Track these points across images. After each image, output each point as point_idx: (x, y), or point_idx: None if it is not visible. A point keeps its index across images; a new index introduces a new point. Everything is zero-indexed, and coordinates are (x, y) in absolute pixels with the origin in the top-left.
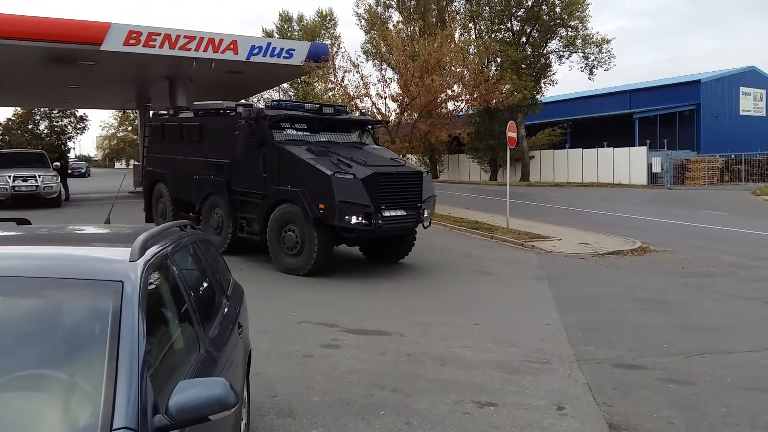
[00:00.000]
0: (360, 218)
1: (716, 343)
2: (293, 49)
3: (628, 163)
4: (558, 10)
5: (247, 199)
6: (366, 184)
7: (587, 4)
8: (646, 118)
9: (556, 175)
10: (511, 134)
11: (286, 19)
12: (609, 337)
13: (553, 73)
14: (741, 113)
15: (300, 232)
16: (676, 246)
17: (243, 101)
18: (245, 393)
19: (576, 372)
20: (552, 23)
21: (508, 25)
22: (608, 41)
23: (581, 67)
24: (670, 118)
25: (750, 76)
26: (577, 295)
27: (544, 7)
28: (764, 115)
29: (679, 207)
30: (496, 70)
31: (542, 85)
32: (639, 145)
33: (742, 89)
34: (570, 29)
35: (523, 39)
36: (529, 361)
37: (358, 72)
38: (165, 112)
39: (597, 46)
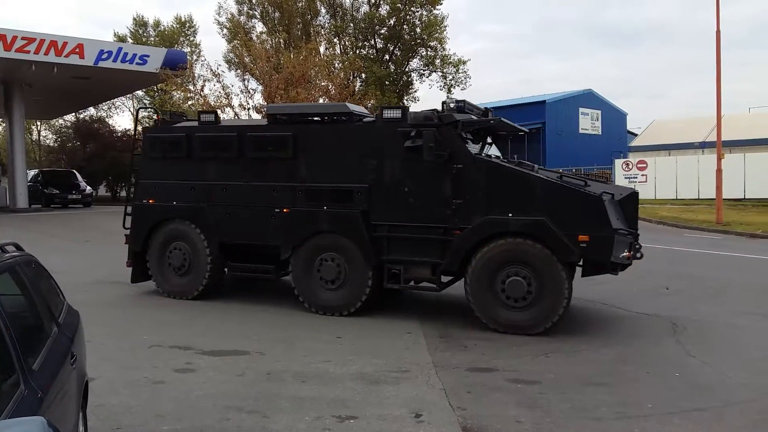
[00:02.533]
0: (626, 251)
1: (561, 343)
2: (147, 56)
3: None
4: (418, 30)
5: (409, 235)
6: (624, 207)
7: (445, 26)
8: (499, 135)
9: None
10: None
11: (140, 23)
12: (464, 342)
13: (415, 91)
14: (580, 131)
15: (535, 276)
16: None
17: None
18: (81, 428)
19: (434, 378)
20: (413, 43)
21: (372, 42)
22: (464, 62)
23: (440, 86)
24: (520, 134)
25: (588, 98)
26: (435, 303)
27: (405, 27)
28: (600, 133)
29: None
30: (361, 85)
31: (405, 101)
32: None
33: (581, 110)
34: (429, 49)
35: (387, 56)
36: (389, 371)
37: (219, 81)
38: (187, 120)
39: (454, 67)
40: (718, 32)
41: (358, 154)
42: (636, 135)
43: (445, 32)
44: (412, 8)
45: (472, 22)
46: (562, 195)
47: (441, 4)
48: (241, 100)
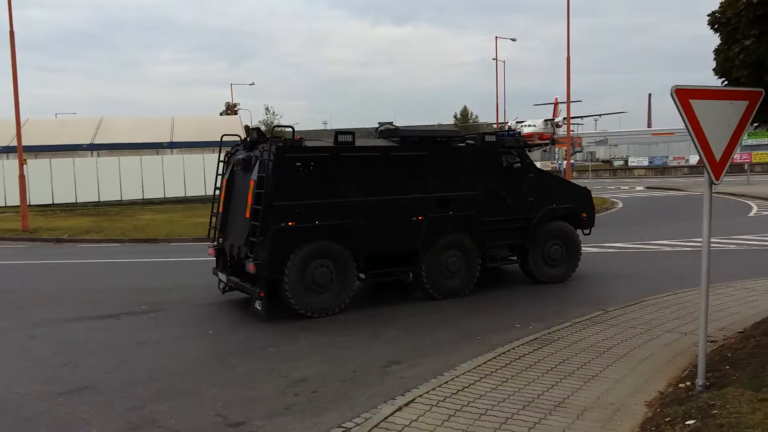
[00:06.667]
0: None
1: None
2: None
3: None
4: None
5: (502, 227)
6: None
7: None
8: None
9: None
10: None
11: None
12: None
13: None
14: None
15: (565, 244)
16: None
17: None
18: None
19: None
20: None
21: None
22: None
23: None
24: None
25: None
26: None
27: None
28: None
29: None
30: None
31: None
32: None
33: None
34: None
35: None
36: None
37: None
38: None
39: None
40: (12, 34)
41: (471, 169)
42: None
43: None
44: None
45: None
46: (575, 189)
47: None
48: None
